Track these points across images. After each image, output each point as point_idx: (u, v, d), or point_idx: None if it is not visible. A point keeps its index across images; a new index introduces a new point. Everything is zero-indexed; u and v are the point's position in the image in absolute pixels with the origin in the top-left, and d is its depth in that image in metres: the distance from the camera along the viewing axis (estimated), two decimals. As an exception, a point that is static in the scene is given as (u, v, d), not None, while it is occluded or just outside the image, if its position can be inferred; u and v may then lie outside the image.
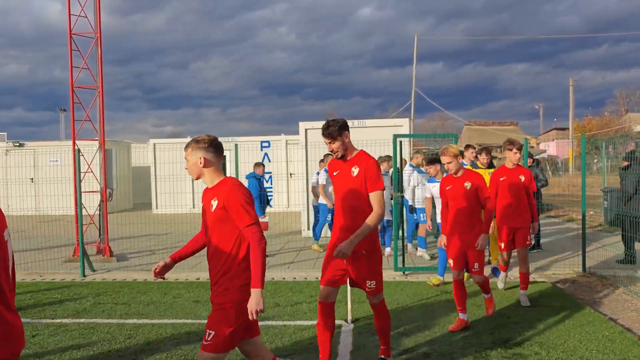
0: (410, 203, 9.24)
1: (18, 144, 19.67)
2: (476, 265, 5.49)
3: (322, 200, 9.82)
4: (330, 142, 4.13)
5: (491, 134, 48.08)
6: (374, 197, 4.06)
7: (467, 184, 5.43)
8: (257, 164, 10.07)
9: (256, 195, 9.43)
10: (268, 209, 10.42)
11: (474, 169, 7.91)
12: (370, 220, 4.00)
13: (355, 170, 4.10)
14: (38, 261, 9.56)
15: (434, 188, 7.65)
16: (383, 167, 9.75)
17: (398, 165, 8.26)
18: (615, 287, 7.01)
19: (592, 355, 4.66)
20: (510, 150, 6.41)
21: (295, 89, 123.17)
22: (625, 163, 8.58)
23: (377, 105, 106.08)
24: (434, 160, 7.67)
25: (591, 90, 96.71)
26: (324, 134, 4.12)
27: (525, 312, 5.96)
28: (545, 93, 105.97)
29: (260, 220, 9.19)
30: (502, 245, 6.45)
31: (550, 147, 53.70)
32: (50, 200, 17.64)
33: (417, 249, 9.45)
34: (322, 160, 10.16)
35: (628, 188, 8.36)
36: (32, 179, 19.34)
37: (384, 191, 4.18)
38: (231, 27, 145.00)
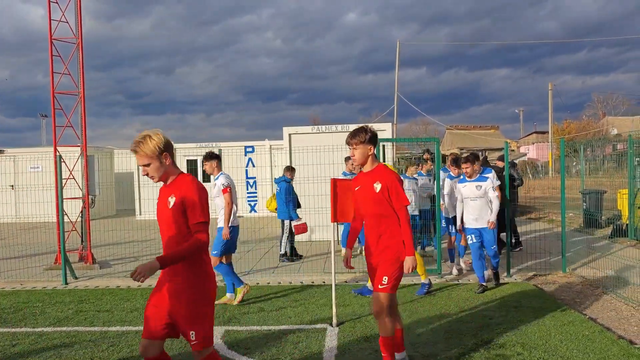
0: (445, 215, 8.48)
1: (-2, 151, 19.38)
2: (192, 334, 3.22)
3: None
4: None
5: (473, 138, 48.67)
6: None
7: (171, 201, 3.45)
8: (287, 168, 9.77)
9: (290, 198, 9.41)
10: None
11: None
12: None
13: None
14: (19, 269, 9.42)
15: (464, 188, 7.14)
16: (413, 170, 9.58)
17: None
18: (594, 287, 7.14)
19: (572, 354, 4.74)
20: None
21: (280, 94, 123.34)
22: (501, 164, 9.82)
23: (361, 110, 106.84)
24: (466, 159, 7.08)
25: (570, 94, 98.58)
26: None
27: (506, 313, 6.05)
28: (526, 97, 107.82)
29: (299, 223, 9.25)
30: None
31: (531, 151, 54.50)
32: (31, 207, 17.40)
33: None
34: (347, 159, 9.92)
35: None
36: (12, 185, 19.06)
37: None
38: (216, 33, 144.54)
